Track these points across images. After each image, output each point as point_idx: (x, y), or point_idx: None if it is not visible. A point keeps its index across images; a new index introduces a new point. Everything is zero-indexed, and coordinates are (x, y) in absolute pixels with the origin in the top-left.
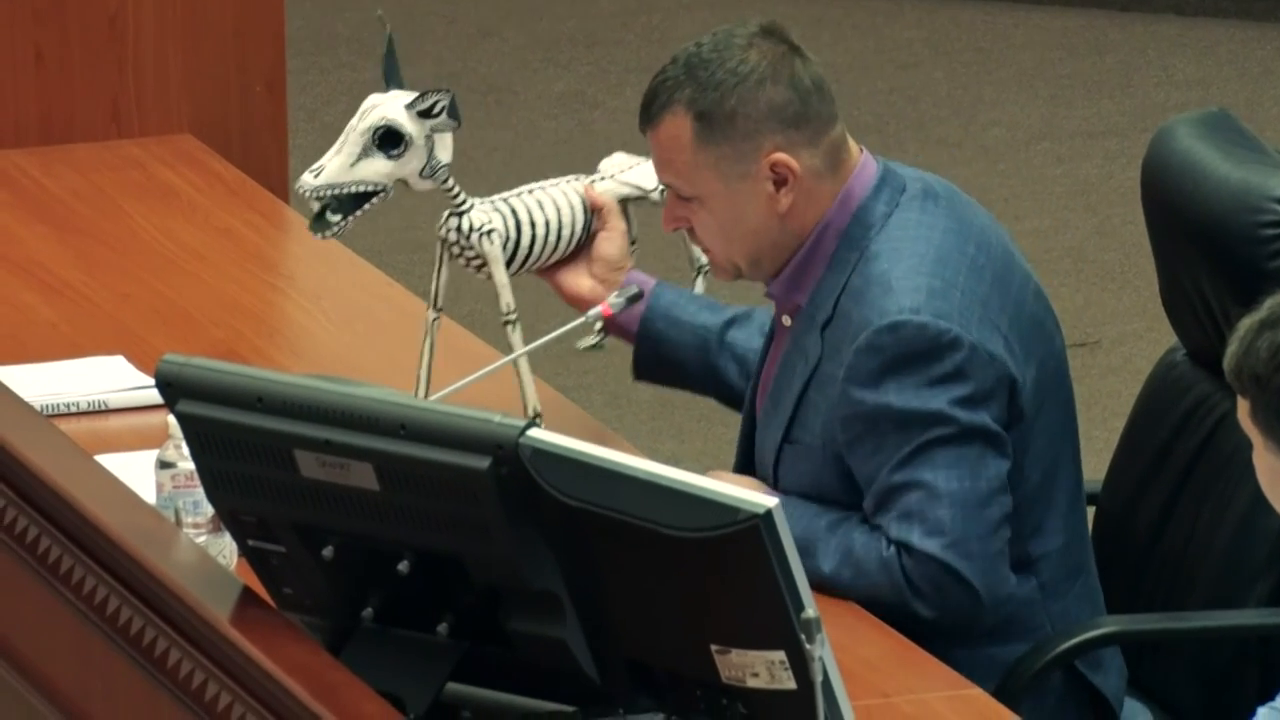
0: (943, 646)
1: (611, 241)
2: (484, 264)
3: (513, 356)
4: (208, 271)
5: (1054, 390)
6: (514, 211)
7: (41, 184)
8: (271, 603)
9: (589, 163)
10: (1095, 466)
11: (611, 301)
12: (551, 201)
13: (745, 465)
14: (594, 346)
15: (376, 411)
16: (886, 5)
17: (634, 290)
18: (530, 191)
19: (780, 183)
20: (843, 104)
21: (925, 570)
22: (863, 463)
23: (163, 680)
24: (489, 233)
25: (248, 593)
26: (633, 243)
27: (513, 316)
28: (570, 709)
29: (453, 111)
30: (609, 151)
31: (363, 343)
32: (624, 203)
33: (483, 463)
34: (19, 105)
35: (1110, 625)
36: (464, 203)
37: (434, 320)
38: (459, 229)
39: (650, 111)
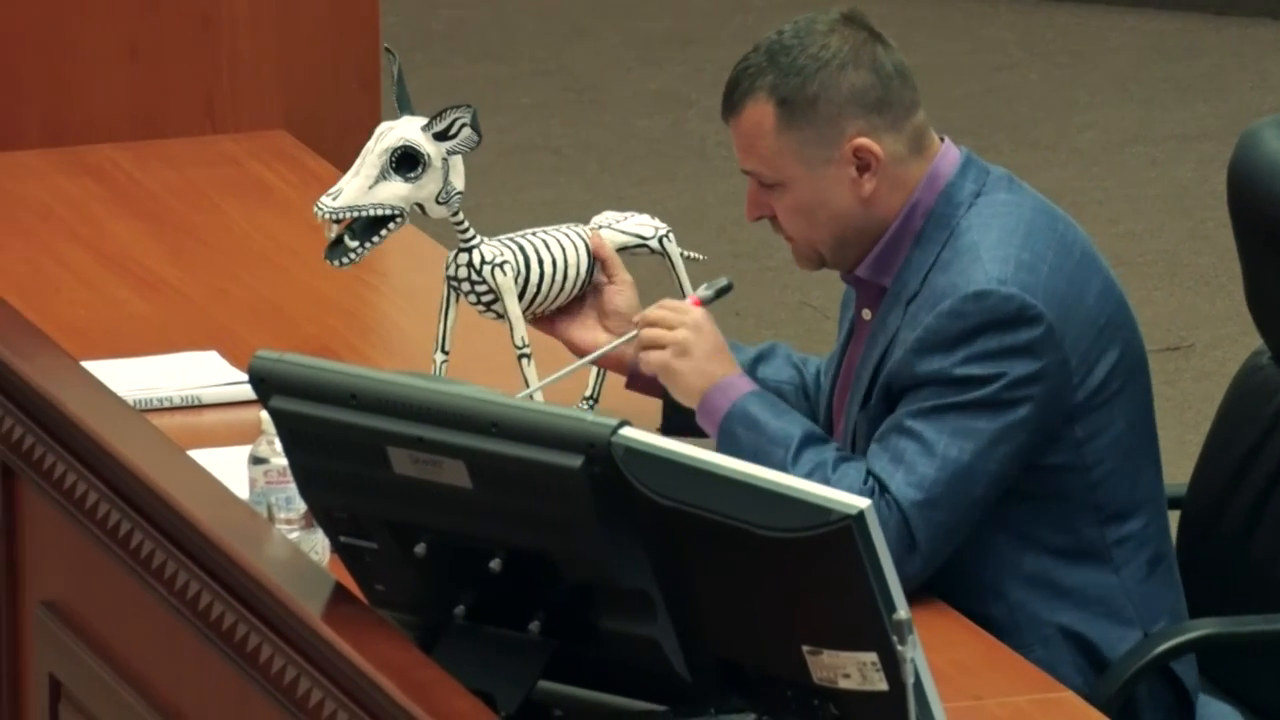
0: (1028, 629)
1: (622, 294)
2: (495, 300)
3: (598, 354)
4: (301, 267)
5: (1136, 377)
6: (522, 249)
7: (136, 179)
8: (363, 599)
9: (683, 162)
10: (1188, 470)
11: (701, 294)
12: (556, 243)
13: None
14: (588, 399)
15: (469, 409)
16: (982, 7)
17: (724, 282)
18: (534, 234)
19: (864, 167)
20: (937, 105)
21: (889, 517)
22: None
23: (255, 675)
24: (501, 264)
25: (340, 589)
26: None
27: (527, 350)
28: (662, 708)
29: (475, 126)
30: (703, 151)
31: (455, 340)
32: (622, 252)
33: (575, 461)
34: (114, 100)
35: (1206, 628)
36: (473, 238)
37: (442, 363)
38: (469, 264)
39: (732, 100)
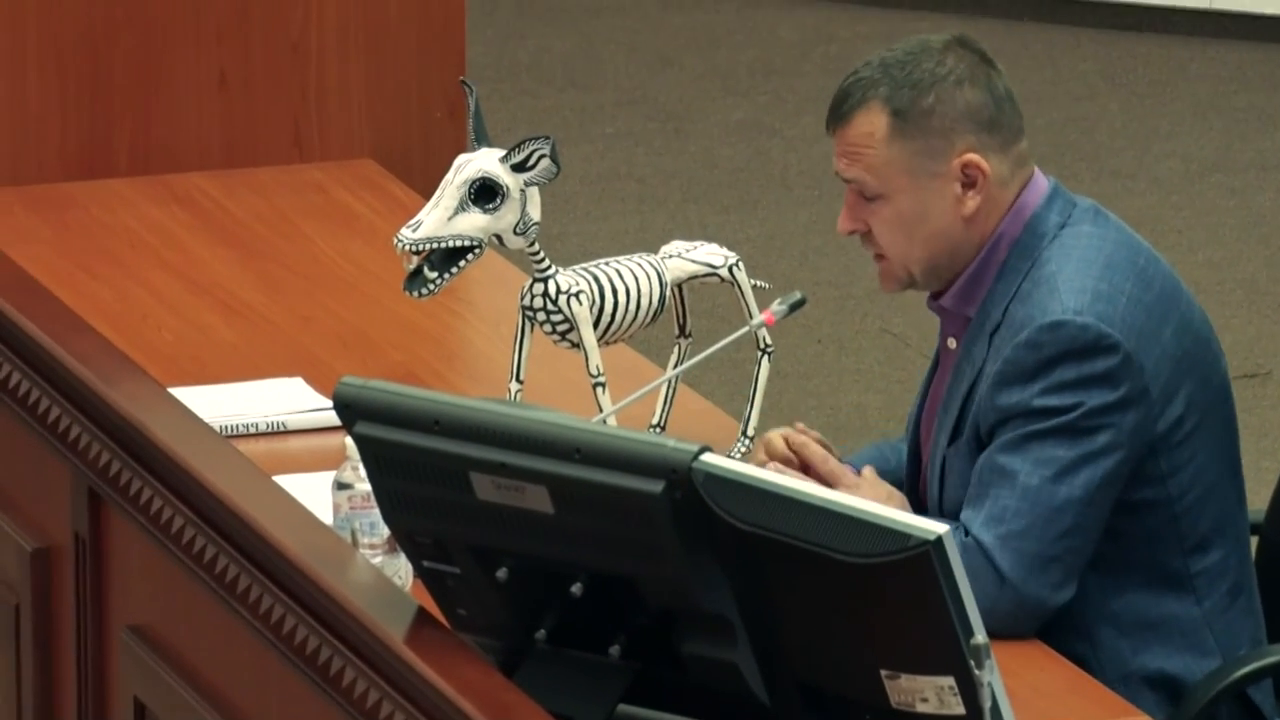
0: (1110, 667)
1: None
2: (570, 330)
3: (674, 372)
4: (387, 295)
5: (1216, 409)
6: (596, 279)
7: (224, 207)
8: (446, 623)
9: (766, 191)
10: (1265, 496)
11: (775, 309)
12: (630, 273)
13: (911, 498)
14: (656, 425)
15: (551, 435)
16: (1063, 37)
17: (797, 296)
18: (607, 263)
19: (969, 184)
20: None
21: (971, 558)
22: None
23: (338, 699)
24: (577, 294)
25: (423, 613)
26: (689, 335)
27: (602, 379)
28: None
29: (554, 157)
30: (786, 181)
31: (539, 367)
32: (690, 280)
33: (656, 487)
34: (202, 129)
35: None
36: (549, 268)
37: (517, 392)
38: (545, 294)
39: (842, 110)
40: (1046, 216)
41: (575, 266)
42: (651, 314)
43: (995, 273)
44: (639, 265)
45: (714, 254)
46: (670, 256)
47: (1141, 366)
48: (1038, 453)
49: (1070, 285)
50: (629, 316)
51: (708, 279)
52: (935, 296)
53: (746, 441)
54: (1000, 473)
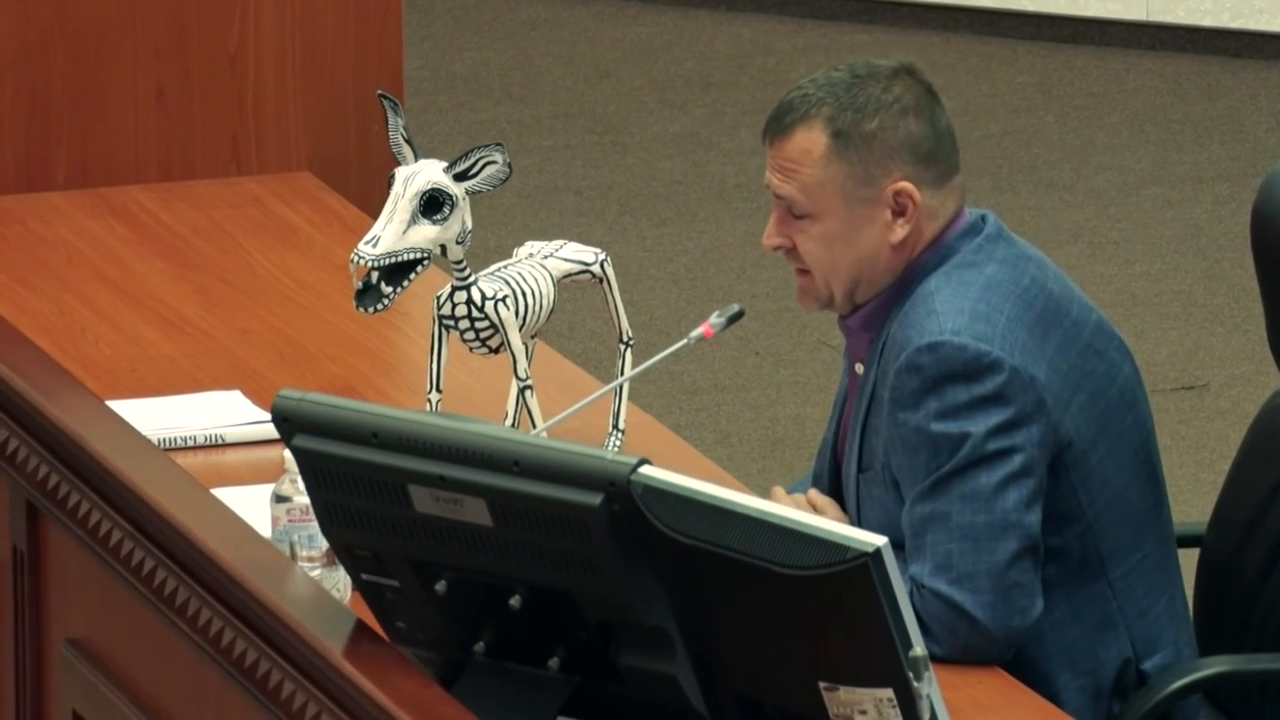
0: (1040, 682)
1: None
2: (493, 335)
3: (616, 384)
4: (325, 308)
5: (1117, 418)
6: (507, 282)
7: (162, 220)
8: (385, 636)
9: (704, 204)
10: (1203, 508)
11: (713, 321)
12: (530, 274)
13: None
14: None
15: (490, 447)
16: (1000, 50)
17: (735, 309)
18: (505, 267)
19: (899, 212)
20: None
21: (932, 608)
22: (904, 486)
23: (276, 711)
24: (504, 299)
25: (361, 626)
26: (532, 338)
27: (529, 382)
28: None
29: (505, 162)
30: (723, 193)
31: (477, 380)
32: (564, 279)
33: (595, 499)
34: (140, 142)
35: (1221, 665)
36: (469, 276)
37: (437, 402)
38: (469, 301)
39: (784, 123)
40: (956, 247)
41: (482, 273)
42: (548, 314)
43: (898, 298)
44: (535, 267)
45: (582, 251)
46: (547, 256)
47: (1032, 378)
48: (960, 489)
49: (948, 306)
50: (535, 318)
51: (579, 276)
52: (845, 316)
53: (619, 435)
54: (930, 520)
